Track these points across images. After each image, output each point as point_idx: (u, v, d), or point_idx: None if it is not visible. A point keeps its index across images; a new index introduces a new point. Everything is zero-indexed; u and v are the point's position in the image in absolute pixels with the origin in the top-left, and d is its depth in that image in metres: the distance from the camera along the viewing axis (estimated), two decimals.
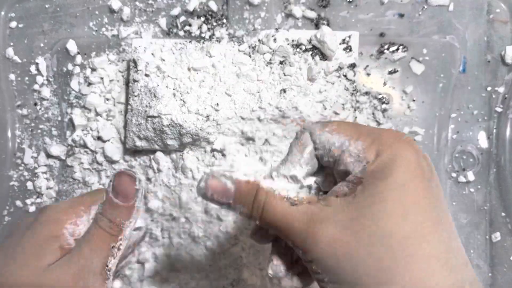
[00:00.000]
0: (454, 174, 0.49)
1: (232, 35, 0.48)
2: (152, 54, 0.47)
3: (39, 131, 0.51)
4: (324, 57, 0.46)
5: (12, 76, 0.51)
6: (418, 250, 0.24)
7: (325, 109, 0.45)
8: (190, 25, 0.49)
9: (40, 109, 0.51)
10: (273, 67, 0.46)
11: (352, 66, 0.46)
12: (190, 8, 0.49)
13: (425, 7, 0.48)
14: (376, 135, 0.26)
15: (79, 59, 0.50)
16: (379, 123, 0.49)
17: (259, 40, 0.47)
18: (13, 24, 0.51)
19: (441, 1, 0.48)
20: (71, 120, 0.50)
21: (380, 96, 0.49)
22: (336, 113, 0.45)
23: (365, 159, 0.26)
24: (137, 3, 0.50)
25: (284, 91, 0.45)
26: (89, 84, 0.50)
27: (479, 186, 0.49)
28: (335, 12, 0.49)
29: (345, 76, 0.46)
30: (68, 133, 0.51)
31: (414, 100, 0.49)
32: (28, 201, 0.50)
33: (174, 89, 0.46)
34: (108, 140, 0.49)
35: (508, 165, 0.48)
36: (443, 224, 0.25)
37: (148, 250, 0.48)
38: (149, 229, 0.48)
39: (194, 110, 0.45)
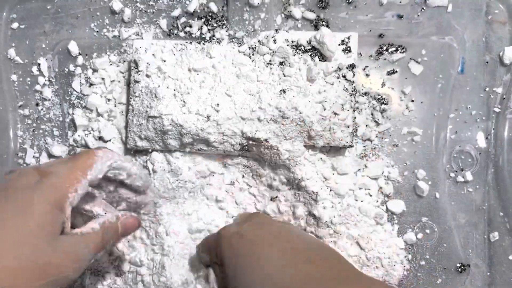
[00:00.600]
0: (452, 174, 0.49)
1: (232, 36, 0.49)
2: (153, 55, 0.47)
3: (40, 131, 0.51)
4: (323, 58, 0.46)
5: (14, 77, 0.51)
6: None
7: (325, 109, 0.45)
8: (190, 26, 0.50)
9: (41, 109, 0.51)
10: (273, 67, 0.46)
11: (351, 67, 0.46)
12: (191, 9, 0.49)
13: (424, 8, 0.49)
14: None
15: (80, 60, 0.51)
16: (378, 123, 0.49)
17: (259, 41, 0.48)
18: (15, 25, 0.51)
19: (439, 2, 0.48)
20: (72, 120, 0.51)
21: (379, 97, 0.49)
22: (336, 114, 0.45)
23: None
24: (138, 4, 0.50)
25: (284, 91, 0.45)
26: (91, 84, 0.51)
27: (477, 186, 0.49)
28: (334, 13, 0.49)
29: (344, 76, 0.46)
30: (69, 133, 0.51)
31: (412, 101, 0.49)
32: None
33: (174, 90, 0.46)
34: (109, 140, 0.50)
35: (506, 165, 0.48)
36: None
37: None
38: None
39: (195, 110, 0.45)
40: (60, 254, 0.32)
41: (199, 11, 0.50)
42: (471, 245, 0.49)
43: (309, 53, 0.46)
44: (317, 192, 0.46)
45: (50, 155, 0.51)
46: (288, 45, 0.47)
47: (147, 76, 0.47)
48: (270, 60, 0.47)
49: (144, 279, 0.48)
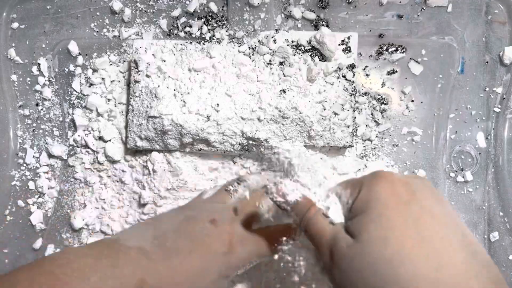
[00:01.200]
0: (452, 174, 0.49)
1: (232, 36, 0.49)
2: (153, 55, 0.47)
3: (40, 131, 0.51)
4: (323, 58, 0.46)
5: (14, 77, 0.51)
6: (402, 271, 0.26)
7: (324, 109, 0.45)
8: (190, 26, 0.50)
9: (41, 109, 0.51)
10: (273, 67, 0.46)
11: (351, 66, 0.46)
12: (191, 9, 0.49)
13: (424, 8, 0.49)
14: (359, 180, 0.32)
15: (80, 60, 0.51)
16: (378, 123, 0.49)
17: (259, 41, 0.48)
18: (15, 25, 0.51)
19: (439, 2, 0.48)
20: (72, 120, 0.51)
21: (379, 97, 0.49)
22: (336, 114, 0.45)
23: (350, 202, 0.31)
24: (138, 4, 0.50)
25: (284, 91, 0.45)
26: (91, 84, 0.51)
27: (477, 186, 0.49)
28: (334, 13, 0.49)
29: (344, 76, 0.46)
30: (69, 133, 0.51)
31: (412, 101, 0.49)
32: (30, 201, 0.51)
33: (174, 90, 0.46)
34: (109, 140, 0.50)
35: (506, 165, 0.48)
36: (427, 242, 0.26)
37: None
38: None
39: (195, 110, 0.45)
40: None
41: (199, 11, 0.50)
42: None
43: (309, 53, 0.46)
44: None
45: (50, 155, 0.51)
46: (288, 45, 0.47)
47: (147, 76, 0.47)
48: (270, 60, 0.47)
49: None
